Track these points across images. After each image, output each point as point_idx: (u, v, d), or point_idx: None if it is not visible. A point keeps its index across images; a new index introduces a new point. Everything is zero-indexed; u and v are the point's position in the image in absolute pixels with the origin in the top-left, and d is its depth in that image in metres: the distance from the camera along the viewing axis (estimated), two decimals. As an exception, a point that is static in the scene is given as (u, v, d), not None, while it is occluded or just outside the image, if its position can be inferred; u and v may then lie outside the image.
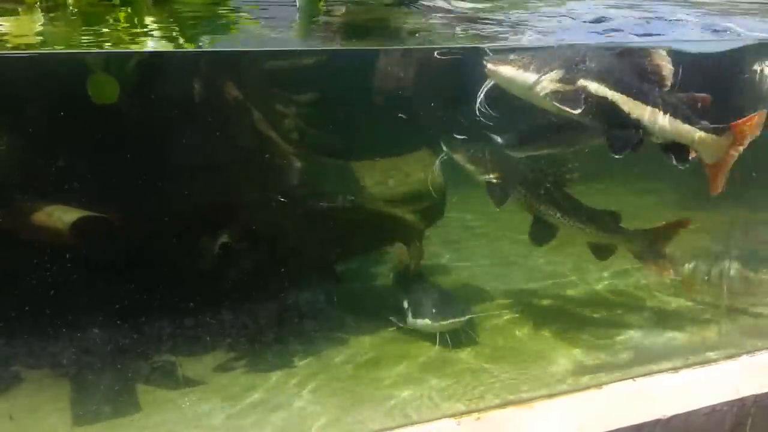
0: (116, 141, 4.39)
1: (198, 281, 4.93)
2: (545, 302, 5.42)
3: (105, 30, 4.13)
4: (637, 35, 5.28)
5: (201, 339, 4.91)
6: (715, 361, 4.09)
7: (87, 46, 4.18)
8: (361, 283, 5.86)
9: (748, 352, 4.18)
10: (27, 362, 4.52)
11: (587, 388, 3.75)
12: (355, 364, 4.63)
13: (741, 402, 3.70)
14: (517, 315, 5.02)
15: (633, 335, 4.64)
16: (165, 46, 4.37)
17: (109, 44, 4.28)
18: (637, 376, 3.90)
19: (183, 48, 4.36)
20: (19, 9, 3.97)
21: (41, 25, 4.00)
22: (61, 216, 4.12)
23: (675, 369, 3.98)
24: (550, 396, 3.65)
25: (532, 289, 5.60)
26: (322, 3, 4.60)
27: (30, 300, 4.21)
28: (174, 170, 4.86)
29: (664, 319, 4.92)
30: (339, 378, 4.42)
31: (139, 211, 4.57)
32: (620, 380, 3.85)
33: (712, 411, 3.64)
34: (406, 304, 4.99)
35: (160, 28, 4.17)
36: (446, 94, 5.02)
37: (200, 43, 4.57)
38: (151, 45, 4.19)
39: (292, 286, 5.45)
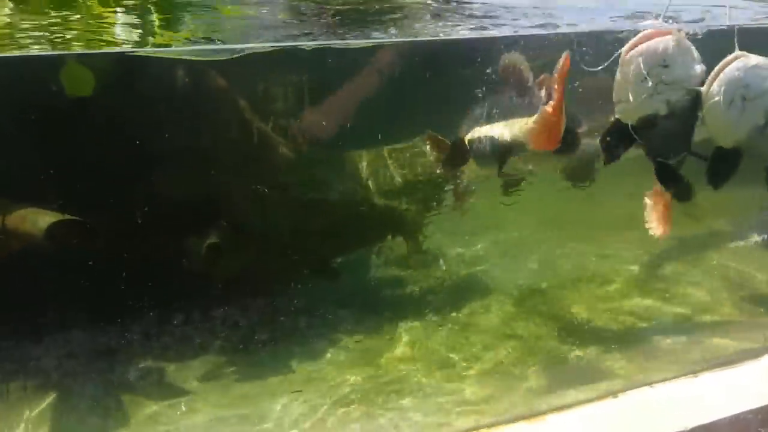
0: (92, 137, 4.13)
1: (187, 281, 4.70)
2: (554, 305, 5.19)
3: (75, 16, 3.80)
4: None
5: (190, 342, 4.69)
6: (735, 363, 3.86)
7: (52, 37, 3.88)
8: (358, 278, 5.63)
9: (772, 353, 3.95)
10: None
11: (602, 397, 3.52)
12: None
13: (766, 409, 3.48)
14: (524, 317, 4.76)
15: (648, 338, 4.40)
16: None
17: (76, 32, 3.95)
18: (655, 383, 3.67)
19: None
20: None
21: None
22: (35, 220, 3.84)
23: (694, 373, 3.75)
24: (563, 408, 3.42)
25: (540, 289, 5.35)
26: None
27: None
28: (161, 165, 4.60)
29: (680, 320, 4.69)
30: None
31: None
32: (637, 388, 3.61)
33: (736, 419, 3.42)
34: None
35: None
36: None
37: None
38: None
39: (287, 282, 5.23)
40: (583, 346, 4.27)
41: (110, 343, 4.62)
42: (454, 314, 4.89)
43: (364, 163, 5.32)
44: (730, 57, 3.08)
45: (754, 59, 3.08)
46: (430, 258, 5.33)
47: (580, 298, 5.11)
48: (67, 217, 3.80)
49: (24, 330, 4.51)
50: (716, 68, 3.09)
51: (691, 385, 3.67)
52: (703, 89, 3.09)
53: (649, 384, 3.68)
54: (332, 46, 5.04)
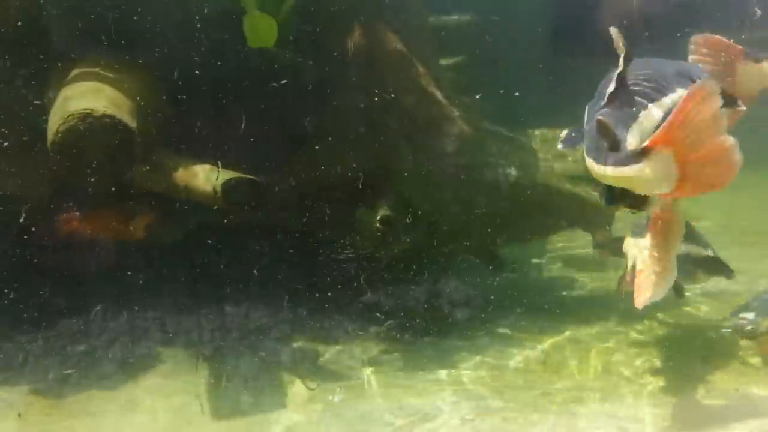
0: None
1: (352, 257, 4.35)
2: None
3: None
4: None
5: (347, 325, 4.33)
6: None
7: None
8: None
9: None
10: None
11: None
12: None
13: None
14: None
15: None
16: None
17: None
18: None
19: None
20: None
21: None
22: (209, 176, 3.57)
23: None
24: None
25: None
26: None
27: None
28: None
29: None
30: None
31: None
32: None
33: None
34: None
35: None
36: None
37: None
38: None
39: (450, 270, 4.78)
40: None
41: (262, 321, 4.38)
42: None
43: (543, 142, 4.78)
44: None
45: None
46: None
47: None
48: (244, 176, 3.49)
49: (185, 295, 4.35)
50: None
51: None
52: None
53: None
54: None
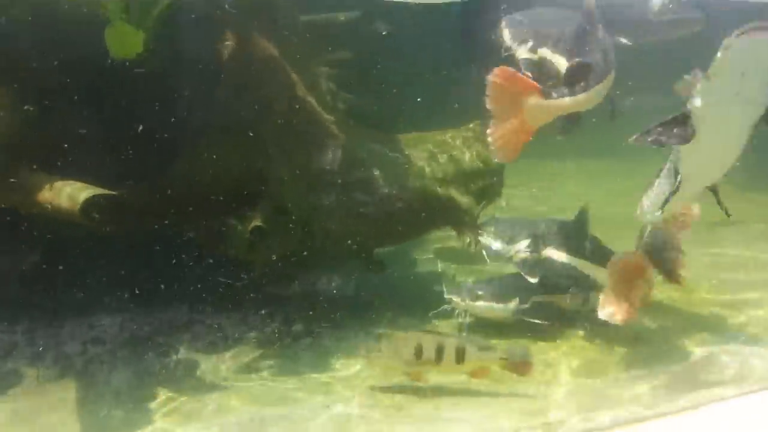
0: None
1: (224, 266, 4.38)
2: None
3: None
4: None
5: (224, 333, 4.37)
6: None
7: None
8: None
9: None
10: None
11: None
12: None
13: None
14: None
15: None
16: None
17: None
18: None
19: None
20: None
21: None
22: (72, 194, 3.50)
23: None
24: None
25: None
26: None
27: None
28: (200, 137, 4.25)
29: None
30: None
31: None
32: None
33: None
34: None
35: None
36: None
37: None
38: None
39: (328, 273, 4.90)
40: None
41: (139, 331, 4.36)
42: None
43: (417, 148, 4.95)
44: None
45: None
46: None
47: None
48: (105, 191, 3.45)
49: (47, 312, 4.24)
50: None
51: None
52: None
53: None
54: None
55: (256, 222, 4.01)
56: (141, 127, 3.85)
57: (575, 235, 4.46)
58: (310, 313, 4.57)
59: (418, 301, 4.73)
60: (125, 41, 3.65)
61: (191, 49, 4.06)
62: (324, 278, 4.93)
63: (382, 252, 5.04)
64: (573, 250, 4.43)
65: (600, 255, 4.34)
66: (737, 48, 2.99)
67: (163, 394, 3.71)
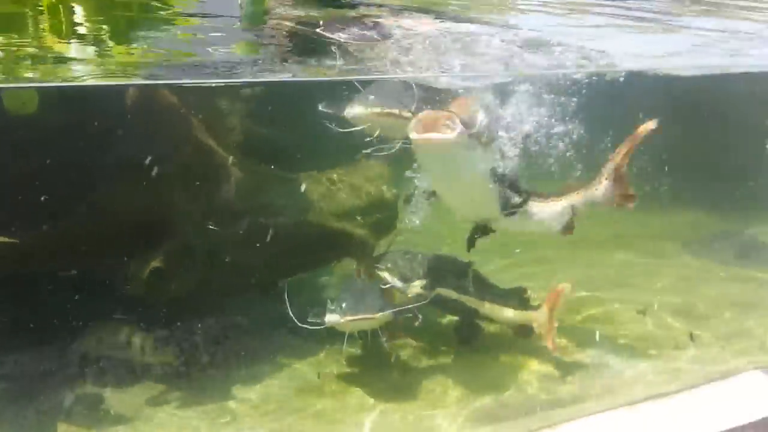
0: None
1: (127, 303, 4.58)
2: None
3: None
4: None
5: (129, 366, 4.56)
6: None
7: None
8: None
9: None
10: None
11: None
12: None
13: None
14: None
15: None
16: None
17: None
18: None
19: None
20: None
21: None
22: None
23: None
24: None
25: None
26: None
27: None
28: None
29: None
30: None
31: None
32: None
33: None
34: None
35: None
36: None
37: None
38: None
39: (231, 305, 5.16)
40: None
41: (42, 366, 4.47)
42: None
43: (313, 185, 5.28)
44: None
45: None
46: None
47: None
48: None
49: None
50: None
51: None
52: None
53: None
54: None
55: (156, 264, 4.25)
56: (44, 174, 4.03)
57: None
58: (217, 344, 4.83)
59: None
60: (23, 98, 3.84)
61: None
62: (230, 309, 5.15)
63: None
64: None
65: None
66: None
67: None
